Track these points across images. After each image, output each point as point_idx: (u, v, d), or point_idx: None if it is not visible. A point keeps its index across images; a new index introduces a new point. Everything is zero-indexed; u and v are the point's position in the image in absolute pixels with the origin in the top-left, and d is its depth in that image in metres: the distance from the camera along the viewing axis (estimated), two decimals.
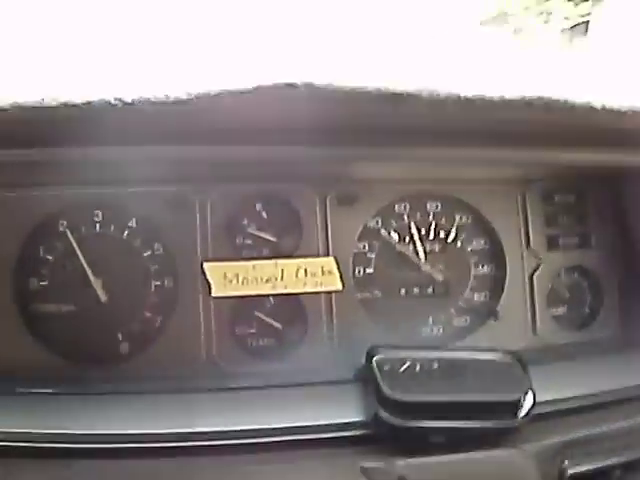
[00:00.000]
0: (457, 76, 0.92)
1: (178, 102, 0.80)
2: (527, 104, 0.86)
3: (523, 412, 0.99)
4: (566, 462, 1.02)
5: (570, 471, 1.02)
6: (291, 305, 1.18)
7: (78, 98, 0.81)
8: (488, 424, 0.98)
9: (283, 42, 1.00)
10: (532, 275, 1.25)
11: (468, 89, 0.87)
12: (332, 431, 1.01)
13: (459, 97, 0.85)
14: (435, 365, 1.08)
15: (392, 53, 1.03)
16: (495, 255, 1.24)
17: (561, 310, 1.29)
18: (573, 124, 0.93)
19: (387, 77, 0.85)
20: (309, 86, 0.80)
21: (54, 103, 0.82)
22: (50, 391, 1.11)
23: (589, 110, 0.89)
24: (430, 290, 1.23)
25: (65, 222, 1.18)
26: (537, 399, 1.00)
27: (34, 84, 0.87)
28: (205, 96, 0.79)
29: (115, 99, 0.81)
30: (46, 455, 0.96)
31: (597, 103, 0.89)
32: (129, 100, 0.81)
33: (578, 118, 0.89)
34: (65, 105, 0.82)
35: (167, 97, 0.79)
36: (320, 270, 1.15)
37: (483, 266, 1.25)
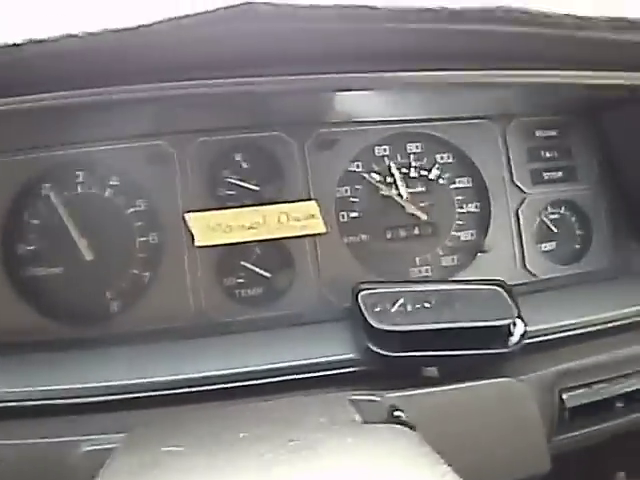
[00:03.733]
0: None
1: (141, 28, 0.79)
2: (488, 15, 0.85)
3: (514, 339, 0.98)
4: (565, 395, 1.01)
5: (569, 404, 1.01)
6: (277, 252, 1.18)
7: (42, 34, 0.81)
8: (480, 352, 0.98)
9: None
10: (517, 210, 1.24)
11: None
12: (322, 369, 1.01)
13: (415, 9, 0.83)
14: (422, 297, 1.07)
15: None
16: (479, 192, 1.24)
17: (550, 245, 1.29)
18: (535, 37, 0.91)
19: None
20: (269, 5, 0.79)
21: (19, 41, 0.82)
22: (43, 352, 1.11)
23: (556, 19, 0.87)
24: (416, 231, 1.22)
25: (47, 185, 1.18)
26: (529, 329, 0.99)
27: None
28: (165, 21, 0.78)
29: (80, 32, 0.81)
30: (40, 413, 0.97)
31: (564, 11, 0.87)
32: (93, 31, 0.80)
33: (541, 28, 0.87)
34: (31, 42, 0.82)
35: (130, 25, 0.79)
36: (303, 214, 1.15)
37: (468, 204, 1.24)
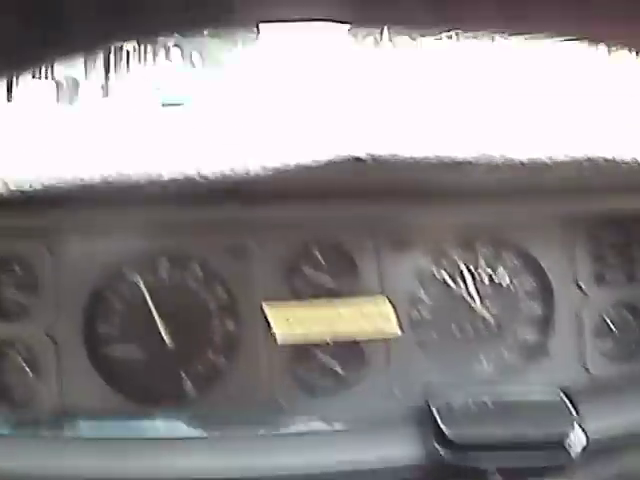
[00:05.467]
0: (510, 140, 0.98)
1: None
2: (577, 165, 0.91)
3: (576, 450, 1.02)
4: None
5: None
6: (349, 346, 1.23)
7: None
8: (542, 462, 1.03)
9: (345, 116, 1.07)
10: (580, 311, 1.28)
11: (520, 153, 0.93)
12: (392, 475, 1.06)
13: (513, 161, 0.90)
14: (489, 405, 1.11)
15: (448, 120, 1.09)
16: (544, 293, 1.27)
17: (609, 345, 1.32)
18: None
19: (444, 145, 0.91)
20: (375, 159, 0.85)
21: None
22: (116, 434, 1.16)
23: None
24: (482, 330, 1.26)
25: (132, 270, 1.23)
26: (590, 434, 1.03)
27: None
28: (282, 169, 0.84)
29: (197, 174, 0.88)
30: None
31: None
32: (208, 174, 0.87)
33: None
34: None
35: (247, 171, 0.85)
36: (379, 316, 1.20)
37: (532, 305, 1.28)
